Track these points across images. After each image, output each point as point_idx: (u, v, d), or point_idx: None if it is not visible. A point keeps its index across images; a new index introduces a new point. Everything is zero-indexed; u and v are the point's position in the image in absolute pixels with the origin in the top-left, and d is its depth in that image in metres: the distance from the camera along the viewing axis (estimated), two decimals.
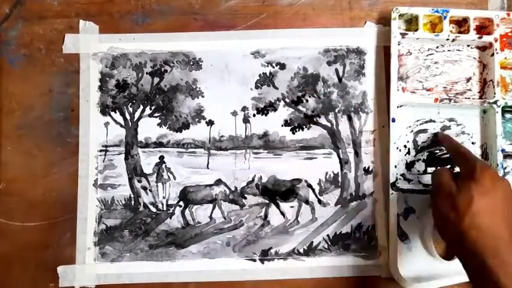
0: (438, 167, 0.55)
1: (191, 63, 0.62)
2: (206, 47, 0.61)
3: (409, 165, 0.60)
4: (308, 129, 0.61)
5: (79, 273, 0.58)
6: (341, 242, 0.59)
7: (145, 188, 0.60)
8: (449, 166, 0.59)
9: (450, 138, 0.57)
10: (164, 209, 0.60)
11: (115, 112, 0.61)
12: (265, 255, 0.59)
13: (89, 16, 0.62)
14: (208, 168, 0.60)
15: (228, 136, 0.61)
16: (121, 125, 0.61)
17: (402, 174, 0.60)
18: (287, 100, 0.61)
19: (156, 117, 0.61)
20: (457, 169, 0.52)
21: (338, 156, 0.61)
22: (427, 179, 0.60)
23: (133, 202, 0.60)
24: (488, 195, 0.44)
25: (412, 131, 0.61)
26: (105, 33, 0.62)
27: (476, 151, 0.60)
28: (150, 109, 0.61)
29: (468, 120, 0.61)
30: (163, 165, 0.60)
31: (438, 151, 0.61)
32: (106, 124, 0.61)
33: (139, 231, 0.59)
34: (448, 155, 0.60)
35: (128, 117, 0.61)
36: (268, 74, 0.62)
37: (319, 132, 0.61)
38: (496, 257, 0.41)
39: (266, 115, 0.61)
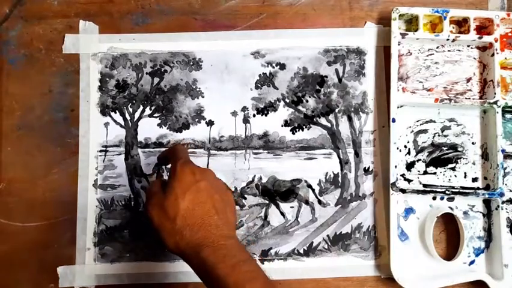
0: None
1: (191, 63, 0.62)
2: (206, 47, 0.61)
3: (409, 166, 0.60)
4: (308, 129, 0.61)
5: (78, 274, 0.58)
6: (341, 242, 0.59)
7: (145, 188, 0.60)
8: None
9: (176, 146, 0.54)
10: None
11: (115, 112, 0.61)
12: (265, 256, 0.59)
13: (89, 16, 0.62)
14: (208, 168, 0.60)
15: (228, 136, 0.61)
16: (121, 125, 0.61)
17: (402, 174, 0.60)
18: (287, 100, 0.61)
19: (156, 117, 0.61)
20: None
21: (338, 156, 0.61)
22: (427, 179, 0.60)
23: (133, 202, 0.60)
24: (191, 189, 0.43)
25: (412, 131, 0.61)
26: (105, 34, 0.61)
27: (476, 151, 0.60)
28: (150, 109, 0.61)
29: (468, 121, 0.61)
30: (163, 166, 0.60)
31: (438, 152, 0.61)
32: (106, 124, 0.61)
33: (139, 232, 0.59)
34: (448, 156, 0.60)
35: (128, 117, 0.61)
36: (268, 74, 0.61)
37: (319, 133, 0.61)
38: (209, 245, 0.41)
39: (266, 115, 0.61)
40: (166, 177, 0.60)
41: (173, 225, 0.42)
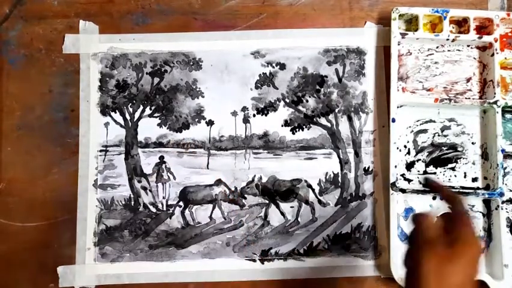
0: (423, 212, 0.47)
1: (191, 63, 0.62)
2: (206, 47, 0.61)
3: (409, 165, 0.60)
4: (308, 129, 0.61)
5: (78, 274, 0.58)
6: (341, 242, 0.59)
7: (145, 188, 0.60)
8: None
9: (445, 187, 0.52)
10: (164, 209, 0.60)
11: (115, 112, 0.61)
12: (265, 256, 0.59)
13: (89, 16, 0.62)
14: (208, 168, 0.60)
15: (228, 136, 0.61)
16: (121, 125, 0.61)
17: (402, 174, 0.60)
18: (287, 100, 0.61)
19: (156, 117, 0.61)
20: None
21: (338, 156, 0.61)
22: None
23: (133, 202, 0.60)
24: (472, 264, 0.40)
25: (412, 131, 0.61)
26: (105, 34, 0.62)
27: (476, 151, 0.60)
28: (150, 109, 0.61)
29: (468, 120, 0.61)
30: (163, 166, 0.60)
31: (438, 152, 0.61)
32: (106, 124, 0.61)
33: (139, 232, 0.59)
34: (448, 156, 0.60)
35: (128, 117, 0.61)
36: (268, 74, 0.61)
37: (319, 132, 0.61)
38: None
39: (266, 115, 0.61)
40: (165, 176, 0.60)
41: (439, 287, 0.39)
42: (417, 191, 0.58)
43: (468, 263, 0.40)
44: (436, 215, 0.56)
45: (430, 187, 0.52)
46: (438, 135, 0.61)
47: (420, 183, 0.60)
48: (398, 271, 0.56)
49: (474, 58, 0.62)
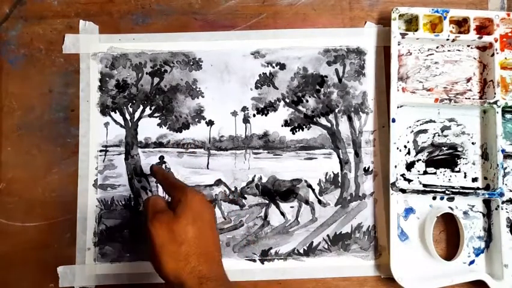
0: (151, 195, 0.53)
1: (191, 63, 0.62)
2: (206, 47, 0.61)
3: (409, 166, 0.60)
4: (308, 129, 0.61)
5: (78, 274, 0.58)
6: (341, 242, 0.59)
7: (145, 188, 0.60)
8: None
9: (162, 170, 0.58)
10: None
11: (115, 112, 0.61)
12: (265, 256, 0.59)
13: (89, 16, 0.62)
14: (208, 168, 0.60)
15: (228, 136, 0.61)
16: (121, 125, 0.61)
17: (402, 174, 0.60)
18: (287, 100, 0.61)
19: (156, 117, 0.61)
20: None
21: (338, 156, 0.61)
22: (427, 179, 0.60)
23: (133, 202, 0.60)
24: (199, 218, 0.44)
25: (412, 131, 0.61)
26: (105, 33, 0.62)
27: (476, 151, 0.60)
28: (150, 109, 0.61)
29: (468, 121, 0.61)
30: (163, 166, 0.60)
31: (438, 152, 0.61)
32: (106, 124, 0.61)
33: (139, 232, 0.59)
34: (448, 156, 0.60)
35: (128, 117, 0.61)
36: (268, 74, 0.62)
37: (319, 133, 0.61)
38: (212, 280, 0.42)
39: (266, 115, 0.61)
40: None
41: (178, 249, 0.42)
42: (417, 191, 0.58)
43: (194, 217, 0.44)
44: (437, 215, 0.56)
45: (155, 176, 0.57)
46: (439, 135, 0.61)
47: (420, 182, 0.60)
48: (398, 271, 0.56)
49: (474, 58, 0.62)
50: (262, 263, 0.59)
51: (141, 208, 0.49)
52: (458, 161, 0.60)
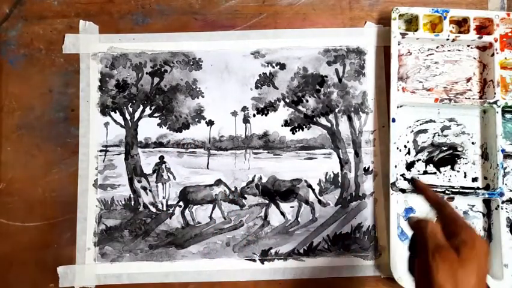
0: (420, 218, 0.46)
1: (191, 63, 0.62)
2: (206, 47, 0.61)
3: (409, 165, 0.60)
4: (308, 129, 0.61)
5: (78, 274, 0.58)
6: (341, 242, 0.59)
7: (145, 188, 0.60)
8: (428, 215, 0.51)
9: (432, 192, 0.52)
10: (164, 209, 0.60)
11: (115, 112, 0.61)
12: (265, 256, 0.59)
13: (89, 16, 0.62)
14: (208, 168, 0.60)
15: (228, 136, 0.61)
16: (121, 125, 0.61)
17: (402, 174, 0.60)
18: (287, 100, 0.61)
19: (156, 117, 0.61)
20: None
21: (338, 156, 0.61)
22: (427, 179, 0.60)
23: (133, 202, 0.60)
24: (481, 270, 0.40)
25: (412, 131, 0.61)
26: (105, 33, 0.62)
27: (476, 151, 0.60)
28: (150, 109, 0.61)
29: (468, 120, 0.61)
30: (163, 165, 0.60)
31: (438, 152, 0.61)
32: (106, 124, 0.61)
33: (139, 232, 0.59)
34: (447, 156, 0.60)
35: (128, 117, 0.61)
36: (268, 74, 0.61)
37: (319, 132, 0.61)
38: None
39: (266, 115, 0.61)
40: (165, 176, 0.60)
41: None
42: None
43: (478, 265, 0.40)
44: (436, 215, 0.56)
45: (415, 187, 0.55)
46: (439, 135, 0.61)
47: (409, 182, 0.60)
48: (398, 271, 0.56)
49: (474, 58, 0.62)
50: (262, 263, 0.59)
51: (409, 227, 0.45)
52: (458, 160, 0.60)
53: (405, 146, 0.61)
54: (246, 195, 0.60)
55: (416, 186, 0.55)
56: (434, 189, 0.58)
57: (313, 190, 0.60)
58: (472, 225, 0.44)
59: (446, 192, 0.58)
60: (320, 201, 0.60)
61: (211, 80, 0.61)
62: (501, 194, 0.57)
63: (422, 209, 0.59)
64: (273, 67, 0.62)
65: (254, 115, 0.61)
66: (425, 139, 0.61)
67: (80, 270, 0.58)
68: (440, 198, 0.50)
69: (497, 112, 0.58)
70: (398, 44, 0.59)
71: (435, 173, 0.60)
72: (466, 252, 0.40)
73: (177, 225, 0.59)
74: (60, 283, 0.58)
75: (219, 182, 0.60)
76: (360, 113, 0.61)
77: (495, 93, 0.58)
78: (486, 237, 0.59)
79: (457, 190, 0.59)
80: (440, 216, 0.46)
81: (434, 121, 0.61)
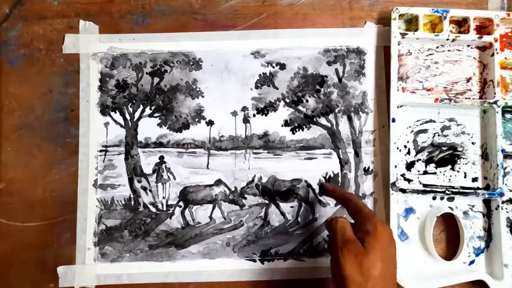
0: (334, 216, 0.51)
1: (191, 63, 0.62)
2: (206, 47, 0.62)
3: (409, 165, 0.60)
4: (308, 129, 0.61)
5: (78, 274, 0.58)
6: None
7: (145, 188, 0.60)
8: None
9: (337, 188, 0.57)
10: (164, 209, 0.60)
11: (115, 112, 0.61)
12: (265, 256, 0.59)
13: (89, 16, 0.62)
14: (208, 168, 0.60)
15: (228, 136, 0.61)
16: (121, 125, 0.61)
17: (402, 174, 0.60)
18: (287, 100, 0.61)
19: (156, 117, 0.61)
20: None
21: (338, 156, 0.61)
22: (427, 179, 0.60)
23: (133, 202, 0.60)
24: (387, 256, 0.43)
25: (412, 131, 0.61)
26: (105, 33, 0.62)
27: (476, 151, 0.60)
28: (150, 109, 0.61)
29: (468, 120, 0.61)
30: (163, 165, 0.60)
31: (438, 152, 0.61)
32: (106, 124, 0.61)
33: (139, 232, 0.59)
34: (447, 156, 0.60)
35: (128, 117, 0.61)
36: (268, 74, 0.62)
37: (319, 132, 0.61)
38: None
39: (266, 115, 0.61)
40: (165, 176, 0.60)
41: (365, 284, 0.42)
42: (417, 191, 0.58)
43: (382, 251, 0.43)
44: (437, 215, 0.56)
45: (324, 192, 0.58)
46: (439, 135, 0.61)
47: (420, 182, 0.60)
48: (398, 271, 0.56)
49: (474, 58, 0.62)
50: (262, 263, 0.59)
51: (325, 228, 0.50)
52: (458, 160, 0.60)
53: (405, 146, 0.61)
54: (246, 195, 0.60)
55: (325, 190, 0.58)
56: (434, 189, 0.59)
57: (313, 190, 0.60)
58: (375, 214, 0.47)
59: (446, 192, 0.58)
60: (319, 201, 0.60)
61: (211, 80, 0.61)
62: (501, 194, 0.57)
63: (422, 209, 0.59)
64: (273, 67, 0.62)
65: (254, 115, 0.61)
66: (425, 139, 0.61)
67: (80, 270, 0.58)
68: (346, 193, 0.53)
69: (497, 112, 0.58)
70: (398, 44, 0.59)
71: (435, 173, 0.60)
72: (369, 241, 0.43)
73: (177, 225, 0.60)
74: (60, 283, 0.58)
75: (219, 182, 0.60)
76: (360, 113, 0.61)
77: (495, 93, 0.58)
78: (486, 237, 0.59)
79: (457, 190, 0.59)
80: (348, 211, 0.50)
81: (434, 121, 0.61)
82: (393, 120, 0.58)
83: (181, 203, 0.60)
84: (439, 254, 0.57)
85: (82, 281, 0.58)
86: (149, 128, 0.61)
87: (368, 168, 0.60)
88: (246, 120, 0.61)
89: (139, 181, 0.60)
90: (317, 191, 0.60)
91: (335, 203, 0.60)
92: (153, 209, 0.60)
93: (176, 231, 0.59)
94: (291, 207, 0.60)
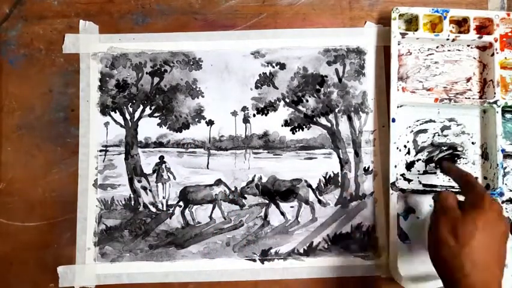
0: (443, 190, 0.53)
1: (191, 63, 0.62)
2: (206, 47, 0.62)
3: (409, 165, 0.60)
4: (308, 129, 0.61)
5: (78, 274, 0.58)
6: (341, 242, 0.59)
7: (145, 188, 0.60)
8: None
9: (456, 167, 0.57)
10: (164, 209, 0.60)
11: (115, 112, 0.61)
12: (265, 255, 0.59)
13: (89, 16, 0.62)
14: (208, 168, 0.60)
15: (228, 136, 0.61)
16: (121, 125, 0.61)
17: (402, 174, 0.60)
18: (287, 100, 0.61)
19: (156, 117, 0.61)
20: (461, 197, 0.49)
21: (338, 156, 0.61)
22: (427, 178, 0.60)
23: (133, 202, 0.60)
24: (490, 230, 0.43)
25: (412, 131, 0.61)
26: (105, 33, 0.62)
27: (476, 151, 0.60)
28: (150, 109, 0.61)
29: (468, 120, 0.61)
30: (163, 165, 0.60)
31: (437, 152, 0.61)
32: (106, 124, 0.61)
33: (139, 231, 0.59)
34: (447, 155, 0.60)
35: (128, 117, 0.61)
36: (268, 74, 0.62)
37: (319, 132, 0.61)
38: None
39: (266, 115, 0.61)
40: (165, 176, 0.60)
41: (458, 249, 0.42)
42: (417, 191, 0.58)
43: (484, 224, 0.43)
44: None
45: (442, 169, 0.58)
46: (438, 135, 0.61)
47: (420, 182, 0.60)
48: (398, 271, 0.56)
49: (474, 58, 0.62)
50: (262, 263, 0.59)
51: (432, 202, 0.51)
52: (458, 160, 0.60)
53: (405, 146, 0.61)
54: (246, 195, 0.60)
55: (443, 167, 0.58)
56: (434, 189, 0.59)
57: (313, 190, 0.60)
58: (486, 191, 0.47)
59: None
60: (319, 201, 0.60)
61: (211, 80, 0.61)
62: (501, 194, 0.57)
63: (422, 209, 0.59)
64: (273, 67, 0.62)
65: (254, 115, 0.61)
66: (425, 139, 0.61)
67: (80, 270, 0.58)
68: (461, 171, 0.53)
69: (497, 112, 0.58)
70: (398, 44, 0.59)
71: (435, 173, 0.60)
72: (470, 212, 0.44)
73: (177, 225, 0.60)
74: (60, 283, 0.58)
75: (219, 182, 0.60)
76: (360, 113, 0.61)
77: (495, 93, 0.58)
78: None
79: (457, 190, 0.58)
80: (461, 188, 0.51)
81: (434, 121, 0.61)
82: (393, 120, 0.58)
83: (181, 203, 0.60)
84: None
85: (82, 281, 0.58)
86: (149, 128, 0.61)
87: (368, 168, 0.60)
88: (246, 120, 0.61)
89: (139, 181, 0.60)
90: (317, 190, 0.60)
91: (334, 203, 0.60)
92: (153, 209, 0.60)
93: (176, 231, 0.59)
94: (291, 207, 0.60)
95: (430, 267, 0.57)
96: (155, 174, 0.60)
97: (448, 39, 0.60)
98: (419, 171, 0.60)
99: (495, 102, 0.58)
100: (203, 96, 0.61)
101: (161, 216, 0.60)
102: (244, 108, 0.61)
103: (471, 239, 0.42)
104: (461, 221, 0.43)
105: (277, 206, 0.60)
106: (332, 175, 0.60)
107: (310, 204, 0.60)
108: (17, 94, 0.61)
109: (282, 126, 0.61)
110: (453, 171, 0.54)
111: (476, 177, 0.60)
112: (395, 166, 0.58)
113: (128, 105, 0.61)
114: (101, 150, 0.60)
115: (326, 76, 0.62)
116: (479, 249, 0.42)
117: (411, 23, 0.61)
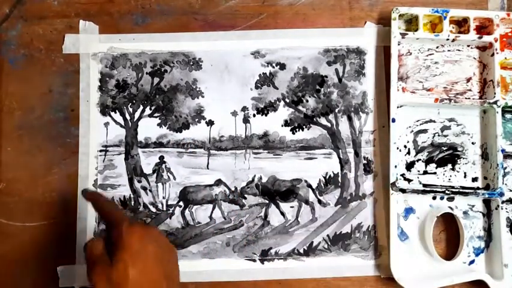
0: (90, 239, 0.45)
1: (191, 63, 0.62)
2: (206, 47, 0.62)
3: (409, 165, 0.60)
4: (308, 129, 0.61)
5: (78, 274, 0.58)
6: (341, 242, 0.59)
7: (145, 188, 0.60)
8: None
9: (98, 195, 0.50)
10: (164, 209, 0.60)
11: (115, 112, 0.61)
12: (265, 255, 0.59)
13: (89, 16, 0.62)
14: (208, 168, 0.60)
15: (228, 136, 0.61)
16: (121, 125, 0.61)
17: (402, 174, 0.60)
18: (287, 100, 0.61)
19: (156, 117, 0.61)
20: None
21: (338, 156, 0.61)
22: (427, 179, 0.60)
23: (132, 202, 0.60)
24: (140, 257, 0.40)
25: (412, 131, 0.61)
26: (105, 33, 0.62)
27: (476, 151, 0.60)
28: (150, 109, 0.61)
29: (468, 120, 0.61)
30: (163, 165, 0.60)
31: (437, 152, 0.61)
32: (106, 124, 0.61)
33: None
34: (447, 156, 0.60)
35: (128, 117, 0.61)
36: (268, 74, 0.62)
37: (319, 132, 0.61)
38: None
39: (266, 115, 0.61)
40: (165, 176, 0.60)
41: None
42: (417, 191, 0.58)
43: (133, 258, 0.40)
44: (436, 215, 0.56)
45: (88, 200, 0.49)
46: (439, 135, 0.61)
47: (420, 182, 0.60)
48: (398, 271, 0.56)
49: (474, 58, 0.62)
50: (262, 263, 0.59)
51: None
52: (458, 160, 0.60)
53: (405, 146, 0.61)
54: (246, 195, 0.60)
55: (85, 197, 0.49)
56: (434, 189, 0.58)
57: (313, 190, 0.60)
58: (123, 219, 0.43)
59: (446, 192, 0.58)
60: (319, 201, 0.60)
61: (211, 80, 0.61)
62: (501, 194, 0.57)
63: (422, 209, 0.59)
64: (273, 67, 0.62)
65: (254, 115, 0.61)
66: (425, 139, 0.61)
67: (80, 270, 0.58)
68: (102, 199, 0.48)
69: (497, 112, 0.58)
70: (398, 44, 0.59)
71: (435, 173, 0.60)
72: (115, 251, 0.40)
73: (177, 225, 0.60)
74: (60, 283, 0.58)
75: (219, 182, 0.60)
76: (360, 113, 0.61)
77: (495, 93, 0.58)
78: (486, 237, 0.59)
79: (457, 190, 0.59)
80: (106, 222, 0.46)
81: (434, 121, 0.61)
82: (393, 120, 0.58)
83: (181, 203, 0.60)
84: (439, 254, 0.57)
85: (82, 281, 0.58)
86: (149, 128, 0.61)
87: (368, 168, 0.60)
88: (246, 120, 0.61)
89: (139, 181, 0.60)
90: (317, 190, 0.60)
91: (334, 203, 0.60)
92: (153, 209, 0.60)
93: (176, 231, 0.59)
94: (291, 207, 0.60)
95: (430, 267, 0.58)
96: (155, 175, 0.60)
97: (447, 40, 0.60)
98: (419, 171, 0.60)
99: (495, 102, 0.58)
100: (203, 97, 0.61)
101: (161, 216, 0.60)
102: (244, 109, 0.61)
103: (126, 280, 0.39)
104: (112, 267, 0.40)
105: (277, 206, 0.60)
106: (332, 175, 0.60)
107: (310, 204, 0.60)
108: (17, 94, 0.61)
109: (282, 126, 0.61)
110: (94, 201, 0.48)
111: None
112: (395, 166, 0.58)
113: (128, 106, 0.61)
114: (101, 151, 0.60)
115: (326, 76, 0.62)
116: (139, 284, 0.40)
117: (411, 23, 0.61)
